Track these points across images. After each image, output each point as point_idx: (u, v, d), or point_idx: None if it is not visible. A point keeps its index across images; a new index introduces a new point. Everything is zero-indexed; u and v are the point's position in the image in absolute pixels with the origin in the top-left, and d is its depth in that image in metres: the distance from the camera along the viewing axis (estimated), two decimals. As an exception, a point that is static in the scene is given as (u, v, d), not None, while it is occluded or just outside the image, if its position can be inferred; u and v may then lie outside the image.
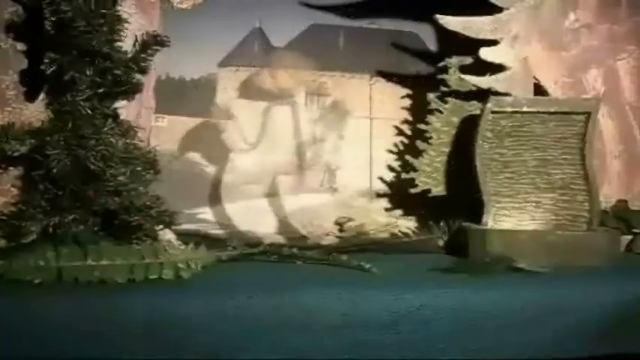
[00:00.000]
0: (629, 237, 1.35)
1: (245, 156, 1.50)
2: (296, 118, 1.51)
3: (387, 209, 1.54)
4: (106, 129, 1.03)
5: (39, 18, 1.03)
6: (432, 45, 1.55)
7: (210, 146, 1.49)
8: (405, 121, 1.55)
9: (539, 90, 1.39)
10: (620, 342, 1.00)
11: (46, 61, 1.02)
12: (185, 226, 1.28)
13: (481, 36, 1.35)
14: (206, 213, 1.47)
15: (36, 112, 1.20)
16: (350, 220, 1.50)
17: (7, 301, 0.87)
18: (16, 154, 1.02)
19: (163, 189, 1.10)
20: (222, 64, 1.50)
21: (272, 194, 1.50)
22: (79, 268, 0.94)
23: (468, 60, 1.41)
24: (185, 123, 1.49)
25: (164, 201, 1.08)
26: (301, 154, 1.52)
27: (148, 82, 1.36)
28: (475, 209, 1.27)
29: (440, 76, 1.45)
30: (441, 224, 1.35)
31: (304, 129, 1.52)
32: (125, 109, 1.18)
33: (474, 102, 1.40)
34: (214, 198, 1.48)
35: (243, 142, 1.50)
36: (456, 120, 1.43)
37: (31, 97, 1.12)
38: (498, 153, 1.28)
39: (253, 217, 1.48)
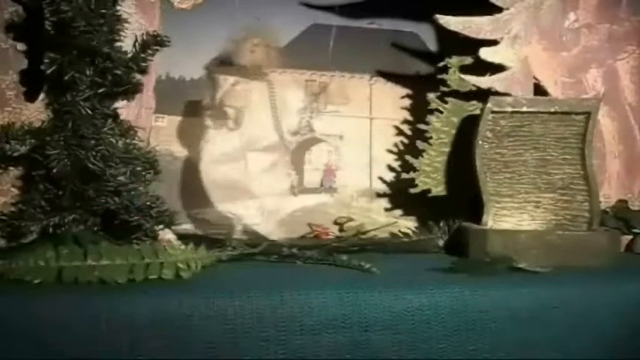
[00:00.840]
0: (629, 237, 1.35)
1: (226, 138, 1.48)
2: (272, 97, 1.50)
3: (387, 209, 1.54)
4: (106, 129, 1.03)
5: (39, 18, 1.03)
6: (432, 45, 1.55)
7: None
8: (405, 121, 1.55)
9: (539, 90, 1.39)
10: (621, 346, 1.00)
11: (46, 61, 1.02)
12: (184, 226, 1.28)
13: (481, 36, 1.35)
14: (203, 213, 1.47)
15: (36, 112, 1.20)
16: (350, 220, 1.49)
17: (7, 301, 0.87)
18: (16, 154, 1.02)
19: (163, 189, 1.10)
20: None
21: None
22: (79, 268, 0.94)
23: (468, 60, 1.41)
24: (185, 122, 1.49)
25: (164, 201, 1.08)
26: (278, 132, 1.51)
27: (148, 82, 1.36)
28: (475, 209, 1.27)
29: (440, 76, 1.45)
30: (441, 224, 1.35)
31: (281, 109, 1.51)
32: (125, 109, 1.17)
33: (474, 102, 1.40)
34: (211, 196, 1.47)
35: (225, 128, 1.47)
36: (455, 120, 1.43)
37: (31, 97, 1.12)
38: (498, 153, 1.28)
39: (253, 216, 1.48)
